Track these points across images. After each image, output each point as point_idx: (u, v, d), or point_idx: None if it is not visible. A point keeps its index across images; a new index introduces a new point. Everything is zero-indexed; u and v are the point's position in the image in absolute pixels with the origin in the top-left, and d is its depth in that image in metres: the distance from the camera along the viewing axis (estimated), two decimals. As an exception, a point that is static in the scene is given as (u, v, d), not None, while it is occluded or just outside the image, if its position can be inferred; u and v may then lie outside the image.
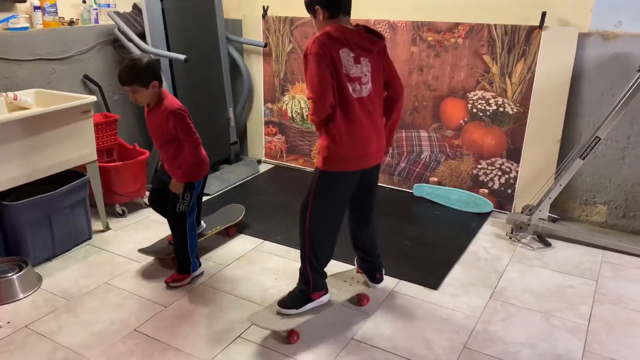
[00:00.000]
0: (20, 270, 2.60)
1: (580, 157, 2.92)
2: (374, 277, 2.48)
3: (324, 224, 2.25)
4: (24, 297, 2.54)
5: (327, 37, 2.02)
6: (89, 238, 3.09)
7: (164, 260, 2.83)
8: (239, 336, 2.27)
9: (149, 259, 2.87)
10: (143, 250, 2.85)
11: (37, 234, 2.77)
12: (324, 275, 2.35)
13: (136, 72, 2.33)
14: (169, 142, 2.46)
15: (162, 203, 2.69)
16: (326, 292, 2.36)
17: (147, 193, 3.54)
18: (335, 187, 2.20)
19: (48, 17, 3.37)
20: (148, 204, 2.78)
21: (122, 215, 3.38)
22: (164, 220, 3.30)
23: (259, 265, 2.82)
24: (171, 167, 2.53)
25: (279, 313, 2.28)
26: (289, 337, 2.24)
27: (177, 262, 2.65)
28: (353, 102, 2.09)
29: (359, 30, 2.10)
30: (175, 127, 2.41)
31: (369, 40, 2.12)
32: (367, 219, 2.42)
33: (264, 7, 4.02)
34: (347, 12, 2.11)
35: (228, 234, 3.12)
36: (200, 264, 2.71)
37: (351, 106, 2.09)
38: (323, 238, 2.27)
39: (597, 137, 2.87)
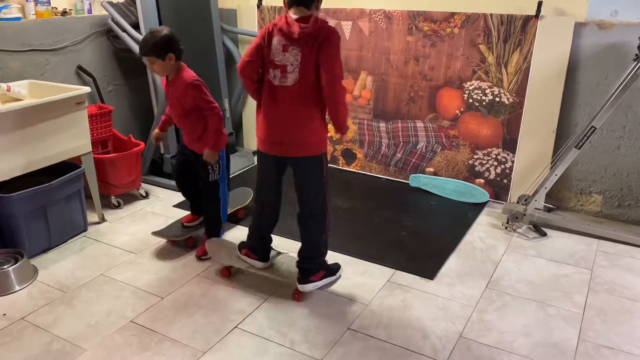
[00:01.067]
0: (15, 263, 2.59)
1: (576, 147, 2.93)
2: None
3: (256, 197, 2.54)
4: (20, 289, 2.53)
5: (271, 24, 2.21)
6: (85, 230, 3.08)
7: (169, 246, 2.83)
8: (235, 327, 2.27)
9: (145, 250, 2.87)
10: (157, 233, 2.90)
11: (33, 226, 2.76)
12: (255, 243, 2.53)
13: (153, 44, 2.44)
14: (187, 113, 2.58)
15: (188, 177, 2.84)
16: (257, 259, 2.52)
17: (142, 185, 3.55)
18: (259, 164, 2.45)
19: (41, 8, 3.33)
20: (175, 181, 3.01)
21: (118, 206, 3.37)
22: (160, 212, 3.32)
23: (255, 256, 2.82)
24: (191, 138, 2.67)
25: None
26: (221, 270, 2.65)
27: (207, 230, 2.82)
28: (269, 88, 2.22)
29: (293, 20, 2.14)
30: (195, 99, 2.53)
31: (295, 29, 2.12)
32: (301, 218, 2.40)
33: (258, -4, 3.99)
34: (298, 3, 2.15)
35: (238, 216, 3.20)
36: (224, 231, 2.92)
37: (266, 91, 2.23)
38: (255, 210, 2.53)
39: (592, 126, 2.87)
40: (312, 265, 2.42)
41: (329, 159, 2.35)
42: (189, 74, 2.56)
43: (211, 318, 2.33)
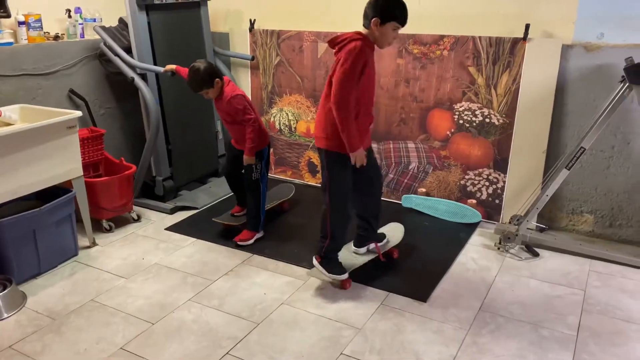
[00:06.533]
0: (4, 289, 2.56)
1: (566, 167, 2.95)
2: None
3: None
4: (8, 317, 2.49)
5: None
6: (75, 254, 3.05)
7: (159, 270, 2.80)
8: (227, 353, 2.24)
9: (136, 274, 2.84)
10: (217, 219, 3.31)
11: (22, 252, 2.73)
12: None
13: (201, 81, 2.92)
14: (233, 122, 3.05)
15: (234, 172, 3.25)
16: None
17: (134, 208, 3.53)
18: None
19: (33, 32, 3.35)
20: (222, 173, 3.47)
21: (109, 230, 3.35)
22: (152, 235, 3.30)
23: (247, 280, 2.80)
24: (236, 140, 3.16)
25: None
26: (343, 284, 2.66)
27: (248, 221, 3.19)
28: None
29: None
30: (234, 110, 2.97)
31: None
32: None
33: (250, 20, 4.03)
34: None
35: (283, 208, 3.60)
36: (262, 228, 3.23)
37: None
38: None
39: (582, 147, 2.89)
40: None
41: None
42: (230, 89, 3.00)
43: (202, 344, 2.30)
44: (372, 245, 2.92)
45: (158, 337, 2.34)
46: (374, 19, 2.36)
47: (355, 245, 2.92)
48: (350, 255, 2.89)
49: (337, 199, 2.60)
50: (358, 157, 2.47)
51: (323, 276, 2.70)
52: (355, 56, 2.33)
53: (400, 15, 2.38)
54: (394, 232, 3.10)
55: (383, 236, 3.00)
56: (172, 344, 2.30)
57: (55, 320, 2.47)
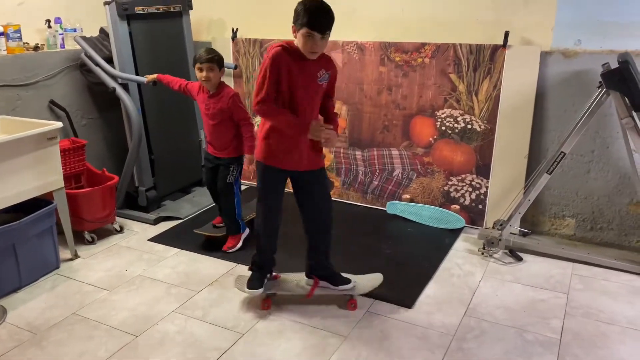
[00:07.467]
0: (-17, 304, 2.51)
1: (547, 172, 2.98)
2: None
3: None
4: (-12, 332, 2.45)
5: None
6: (57, 267, 3.01)
7: (142, 281, 2.77)
8: (212, 364, 2.23)
9: (119, 286, 2.81)
10: (199, 230, 3.28)
11: (2, 265, 2.68)
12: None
13: (220, 56, 2.97)
14: (222, 122, 3.02)
15: (215, 182, 3.19)
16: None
17: (116, 219, 3.49)
18: None
19: (12, 43, 3.32)
20: (204, 184, 3.50)
21: (92, 242, 3.31)
22: (135, 246, 3.27)
23: (231, 290, 2.78)
24: (218, 144, 3.07)
25: None
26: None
27: (227, 226, 3.20)
28: None
29: None
30: (236, 108, 2.99)
31: None
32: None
33: (233, 29, 4.03)
34: None
35: None
36: (246, 226, 3.25)
37: None
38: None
39: (562, 152, 2.93)
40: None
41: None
42: (230, 88, 3.04)
43: (187, 355, 2.27)
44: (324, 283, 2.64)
45: (142, 350, 2.31)
46: (292, 26, 2.28)
47: (306, 275, 2.68)
48: (298, 283, 2.68)
49: (265, 211, 2.56)
50: (313, 132, 2.31)
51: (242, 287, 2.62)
52: (268, 61, 2.26)
53: (309, 21, 2.18)
54: (365, 281, 2.69)
55: (345, 281, 2.62)
56: (157, 356, 2.27)
57: (37, 335, 2.42)
